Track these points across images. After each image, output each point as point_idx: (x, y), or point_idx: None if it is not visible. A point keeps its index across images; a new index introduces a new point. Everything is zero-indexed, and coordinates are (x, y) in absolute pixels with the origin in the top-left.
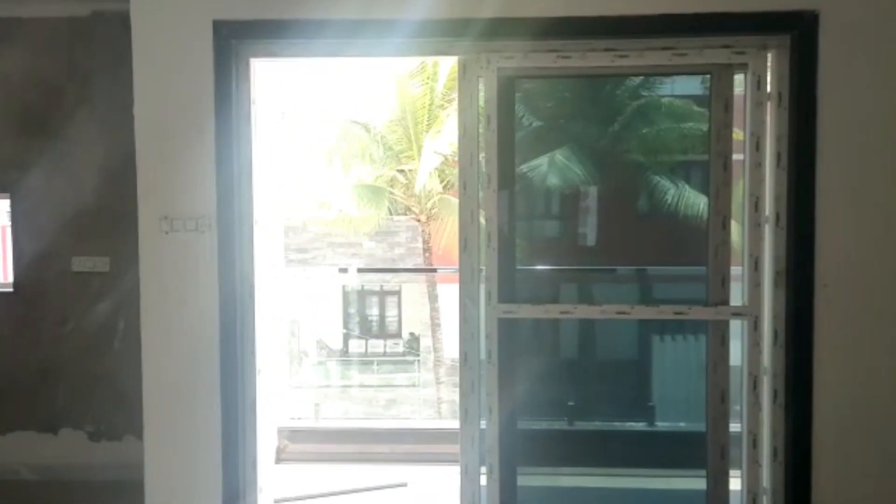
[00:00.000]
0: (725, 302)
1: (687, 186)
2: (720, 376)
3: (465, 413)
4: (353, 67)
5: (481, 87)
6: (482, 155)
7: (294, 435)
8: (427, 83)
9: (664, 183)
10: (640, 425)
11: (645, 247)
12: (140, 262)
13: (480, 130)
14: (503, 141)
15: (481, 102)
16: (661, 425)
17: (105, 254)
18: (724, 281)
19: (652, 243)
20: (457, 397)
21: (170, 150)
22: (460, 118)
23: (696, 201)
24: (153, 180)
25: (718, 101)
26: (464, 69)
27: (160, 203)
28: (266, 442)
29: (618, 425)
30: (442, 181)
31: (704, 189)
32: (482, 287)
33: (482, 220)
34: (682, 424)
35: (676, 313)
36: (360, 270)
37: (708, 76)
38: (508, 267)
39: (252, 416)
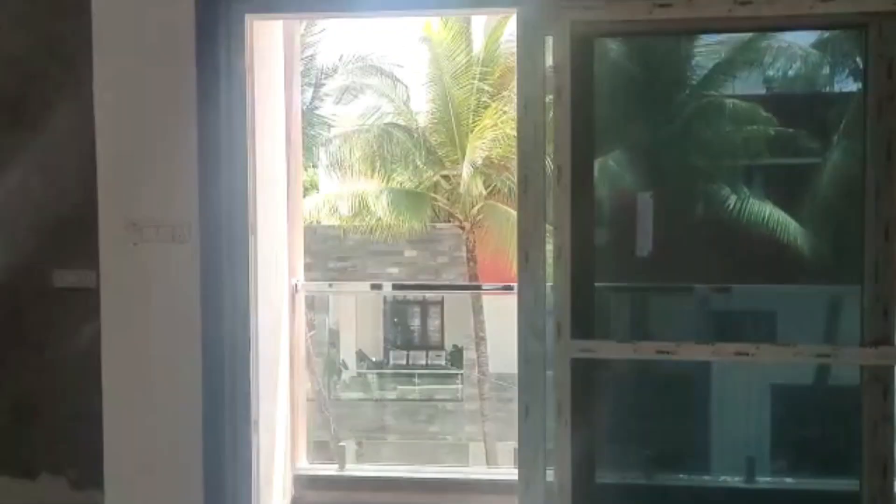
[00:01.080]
0: (889, 340)
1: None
2: (881, 442)
3: (526, 485)
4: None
5: (549, 48)
6: (550, 141)
7: (314, 482)
8: (470, 83)
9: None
10: (739, 480)
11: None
12: (100, 282)
13: (548, 107)
14: (579, 121)
15: (549, 69)
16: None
17: (92, 267)
18: (888, 311)
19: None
20: (503, 415)
21: (139, 137)
22: (520, 92)
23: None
24: (117, 177)
25: (879, 63)
26: (525, 25)
27: (126, 206)
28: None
29: (711, 480)
30: (487, 186)
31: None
32: (549, 317)
33: (549, 228)
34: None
35: (819, 356)
36: (395, 287)
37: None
38: (585, 290)
39: (246, 476)
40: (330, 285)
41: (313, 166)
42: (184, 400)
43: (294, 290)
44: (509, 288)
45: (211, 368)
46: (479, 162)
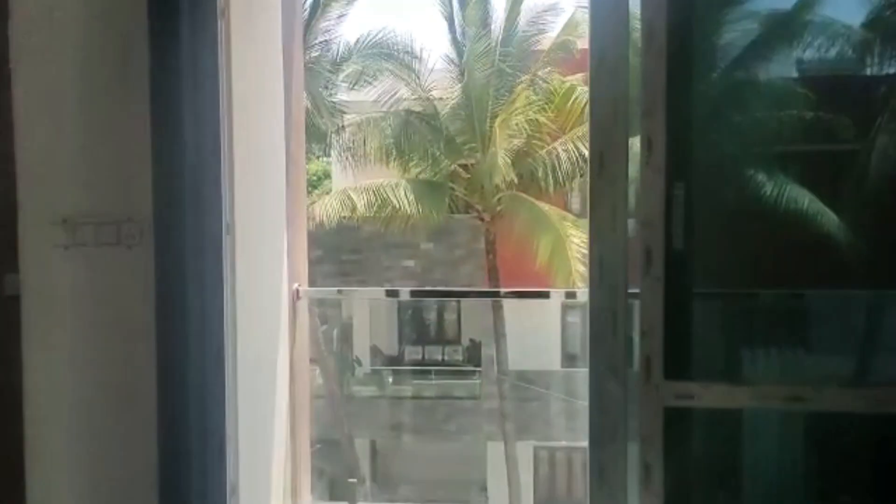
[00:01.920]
0: None
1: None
2: None
3: None
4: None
5: None
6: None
7: None
8: (492, 66)
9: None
10: None
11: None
12: (21, 295)
13: (632, 61)
14: (678, 77)
15: (634, 8)
16: None
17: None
18: None
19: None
20: (524, 415)
21: (71, 109)
22: (594, 41)
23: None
24: (43, 161)
25: None
26: None
27: (55, 199)
28: None
29: None
30: (506, 177)
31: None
32: (635, 349)
33: (631, 225)
34: None
35: None
36: (413, 294)
37: None
38: (680, 311)
39: None
40: (339, 291)
41: (326, 156)
42: (131, 458)
43: (295, 297)
44: (543, 295)
45: (171, 417)
46: (512, 147)
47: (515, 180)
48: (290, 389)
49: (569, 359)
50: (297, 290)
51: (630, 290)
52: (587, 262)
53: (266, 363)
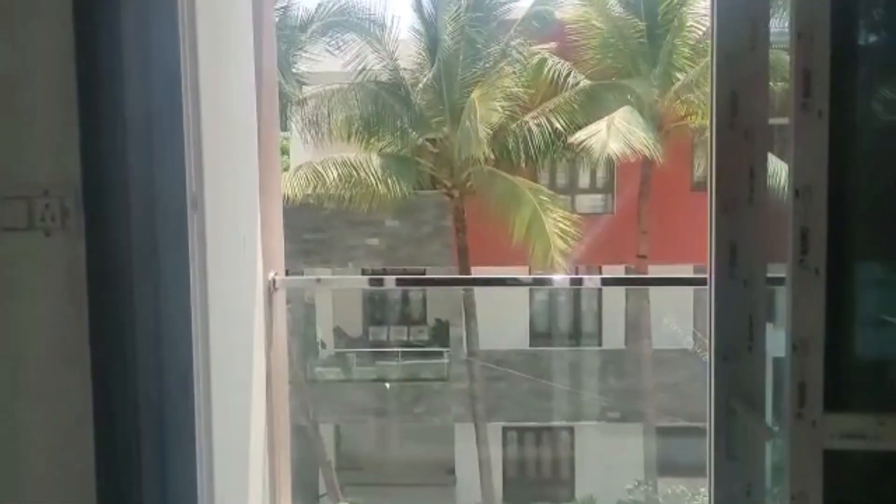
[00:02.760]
0: None
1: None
2: None
3: None
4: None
5: None
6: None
7: None
8: (462, 35)
9: None
10: None
11: None
12: None
13: None
14: None
15: None
16: None
17: None
18: None
19: None
20: (493, 396)
21: None
22: None
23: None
24: None
25: None
26: None
27: None
28: None
29: None
30: (477, 151)
31: None
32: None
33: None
34: None
35: None
36: (399, 282)
37: None
38: (851, 322)
39: None
40: (318, 280)
41: (283, 129)
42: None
43: (271, 288)
44: (542, 282)
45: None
46: (484, 121)
47: (491, 155)
48: (268, 400)
49: (537, 338)
50: (274, 280)
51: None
52: (710, 244)
53: (237, 376)
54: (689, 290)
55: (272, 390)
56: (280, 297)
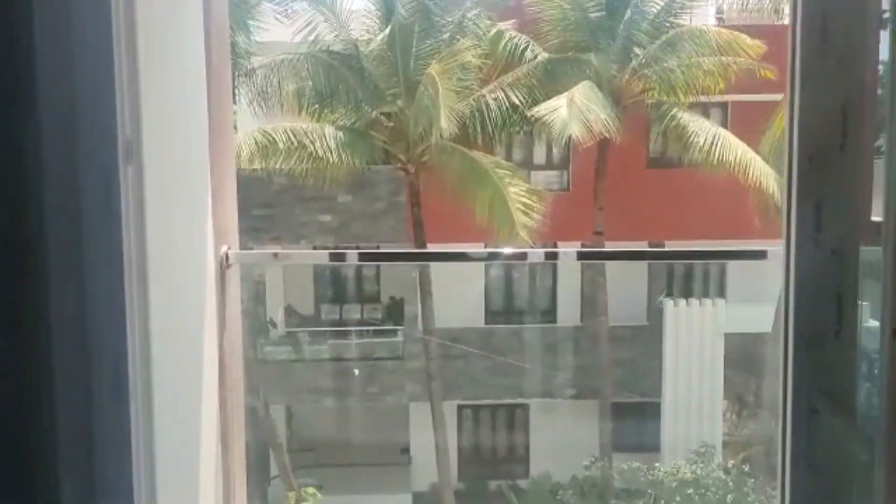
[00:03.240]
0: None
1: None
2: None
3: None
4: None
5: None
6: None
7: None
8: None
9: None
10: None
11: None
12: None
13: None
14: None
15: None
16: None
17: None
18: None
19: None
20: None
21: None
22: None
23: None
24: None
25: None
26: None
27: None
28: None
29: None
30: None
31: None
32: None
33: None
34: None
35: None
36: (363, 257)
37: None
38: None
39: None
40: (275, 255)
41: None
42: None
43: (224, 264)
44: (521, 257)
45: None
46: (442, 93)
47: (454, 131)
48: (220, 387)
49: (493, 315)
50: (227, 255)
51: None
52: (787, 204)
53: (185, 364)
54: (642, 265)
55: (225, 377)
56: (234, 275)
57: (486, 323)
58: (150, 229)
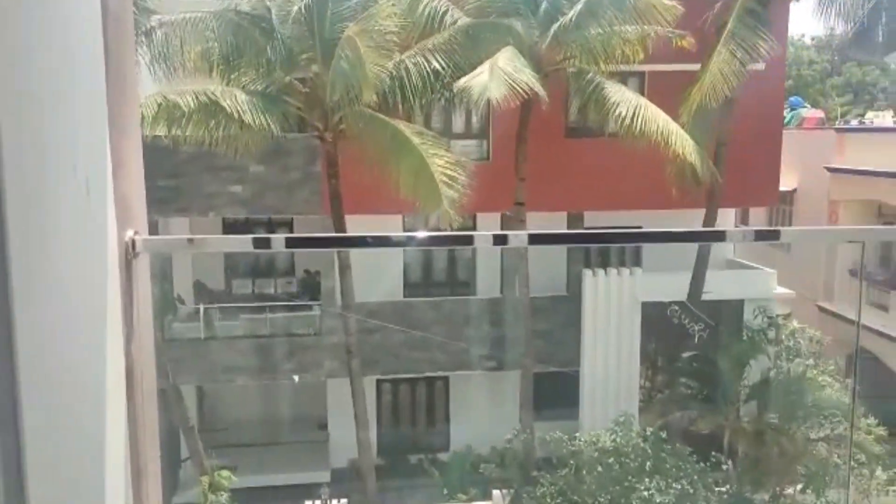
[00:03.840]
0: None
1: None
2: None
3: None
4: None
5: None
6: None
7: None
8: None
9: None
10: None
11: None
12: None
13: None
14: None
15: None
16: None
17: None
18: None
19: None
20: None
21: None
22: None
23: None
24: None
25: None
26: None
27: None
28: None
29: None
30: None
31: None
32: None
33: None
34: None
35: None
36: (290, 244)
37: None
38: None
39: None
40: (190, 241)
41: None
42: None
43: (130, 252)
44: (467, 241)
45: None
46: (360, 57)
47: (373, 98)
48: (129, 408)
49: (412, 287)
50: (133, 242)
51: None
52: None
53: (85, 374)
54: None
55: (134, 390)
56: (142, 264)
57: (406, 296)
58: (32, 209)
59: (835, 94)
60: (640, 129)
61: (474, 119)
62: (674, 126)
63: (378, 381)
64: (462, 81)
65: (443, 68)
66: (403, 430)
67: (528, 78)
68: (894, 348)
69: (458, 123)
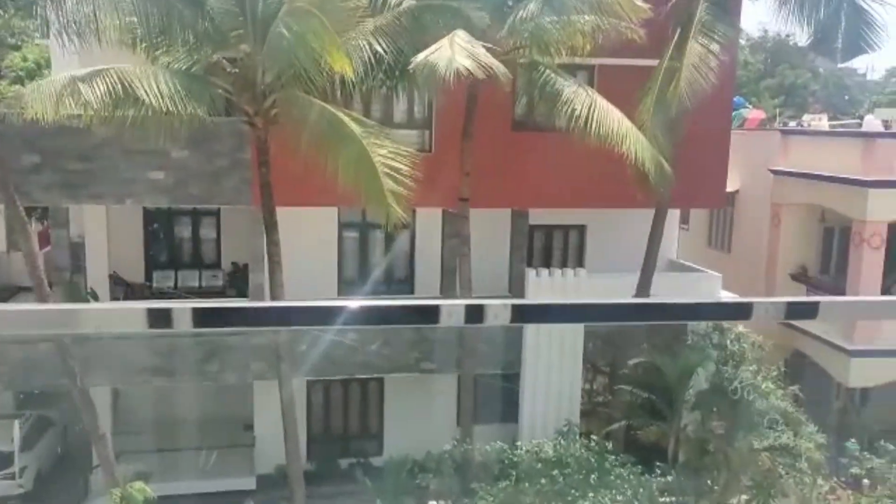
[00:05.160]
0: None
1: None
2: None
3: None
4: None
5: None
6: None
7: None
8: None
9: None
10: None
11: None
12: None
13: None
14: None
15: None
16: None
17: None
18: None
19: None
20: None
21: None
22: None
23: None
24: None
25: None
26: None
27: None
28: None
29: None
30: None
31: None
32: None
33: None
34: None
35: None
36: (199, 319)
37: None
38: None
39: None
40: None
41: (45, 37)
42: None
43: None
44: (475, 316)
45: None
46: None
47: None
48: None
49: (347, 284)
50: None
51: None
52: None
53: None
54: (504, 232)
55: None
56: None
57: (340, 293)
58: None
59: (768, 95)
60: (595, 127)
61: (416, 108)
62: (627, 124)
63: (309, 382)
64: (421, 56)
65: (386, 52)
66: (335, 434)
67: (488, 57)
68: (832, 353)
69: (398, 112)
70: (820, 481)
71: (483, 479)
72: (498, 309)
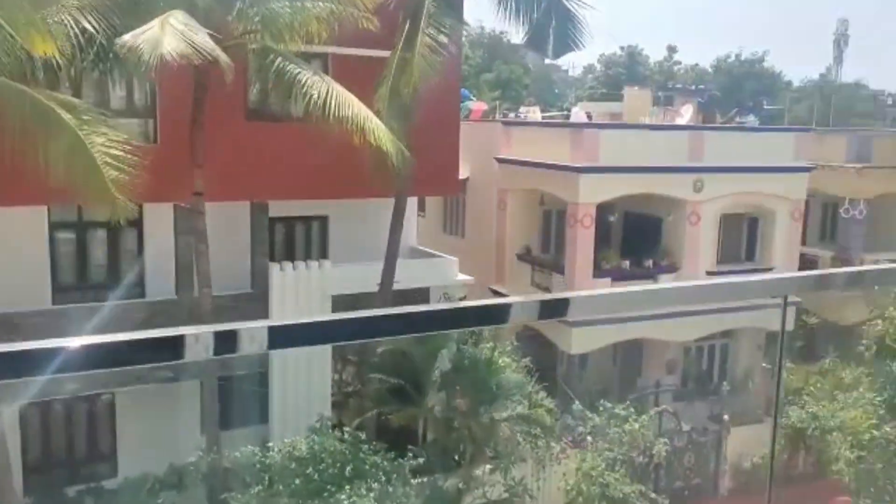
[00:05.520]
0: None
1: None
2: None
3: None
4: None
5: None
6: None
7: None
8: None
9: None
10: None
11: None
12: None
13: None
14: None
15: None
16: None
17: None
18: None
19: None
20: None
21: None
22: None
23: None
24: None
25: None
26: None
27: None
28: None
29: None
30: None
31: None
32: None
33: None
34: None
35: None
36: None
37: None
38: None
39: None
40: None
41: None
42: None
43: None
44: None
45: None
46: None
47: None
48: None
49: (63, 291)
50: None
51: None
52: None
53: None
54: (245, 226)
55: None
56: None
57: (55, 303)
58: None
59: (487, 88)
60: (333, 114)
61: (137, 95)
62: (366, 112)
63: (22, 407)
64: (127, 37)
65: (97, 31)
66: (57, 460)
67: (207, 41)
68: (556, 325)
69: (115, 99)
70: (552, 443)
71: (234, 487)
72: (254, 331)
